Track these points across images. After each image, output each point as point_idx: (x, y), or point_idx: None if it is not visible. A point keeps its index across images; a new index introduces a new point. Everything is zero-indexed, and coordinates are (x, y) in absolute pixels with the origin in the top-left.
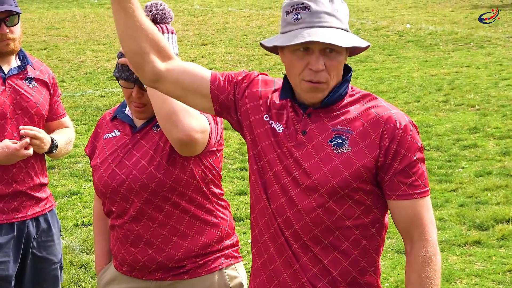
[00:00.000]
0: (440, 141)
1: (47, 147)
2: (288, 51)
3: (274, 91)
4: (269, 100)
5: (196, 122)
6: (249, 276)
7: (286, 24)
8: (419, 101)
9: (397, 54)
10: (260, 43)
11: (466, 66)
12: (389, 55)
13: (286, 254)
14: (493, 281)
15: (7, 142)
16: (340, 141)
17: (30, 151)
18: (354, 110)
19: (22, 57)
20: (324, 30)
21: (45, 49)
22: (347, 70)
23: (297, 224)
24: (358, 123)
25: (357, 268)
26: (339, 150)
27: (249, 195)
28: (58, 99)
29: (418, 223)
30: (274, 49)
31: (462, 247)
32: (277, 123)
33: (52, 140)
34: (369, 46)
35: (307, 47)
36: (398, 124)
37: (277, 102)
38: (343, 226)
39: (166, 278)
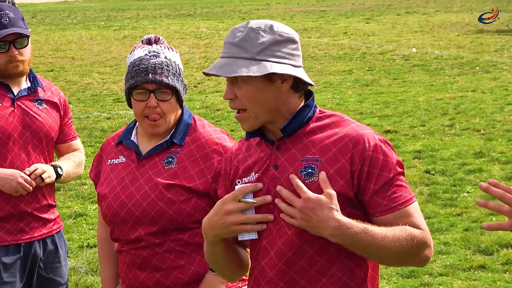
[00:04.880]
0: (445, 165)
1: (53, 176)
2: None
3: (236, 153)
4: (235, 165)
5: None
6: None
7: None
8: (424, 125)
9: (403, 78)
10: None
11: (471, 91)
12: (394, 79)
13: None
14: None
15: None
16: (310, 170)
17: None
18: (321, 135)
19: (33, 79)
20: (221, 60)
21: (51, 70)
22: (309, 95)
23: (280, 262)
24: (326, 149)
25: None
26: (310, 180)
27: None
28: (69, 121)
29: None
30: None
31: (467, 271)
32: (248, 176)
33: (54, 167)
34: (267, 74)
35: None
36: (367, 145)
37: (243, 156)
38: (327, 253)
39: None
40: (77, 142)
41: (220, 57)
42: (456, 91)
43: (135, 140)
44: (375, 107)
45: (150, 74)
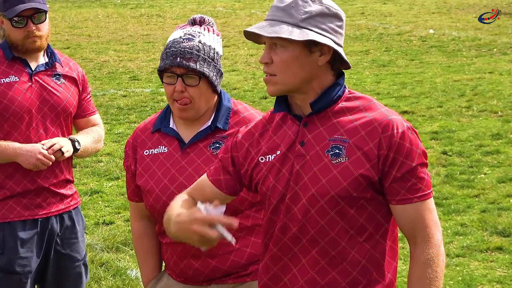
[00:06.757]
0: (462, 146)
1: (71, 150)
2: None
3: (261, 129)
4: (257, 142)
5: None
6: None
7: None
8: (441, 107)
9: (420, 59)
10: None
11: (489, 72)
12: (412, 60)
13: (294, 270)
14: None
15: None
16: (337, 151)
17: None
18: (350, 116)
19: (50, 54)
20: (264, 22)
21: (67, 48)
22: (340, 74)
23: (304, 238)
24: (355, 131)
25: (366, 277)
26: (337, 160)
27: None
28: (88, 96)
29: (420, 225)
30: None
31: (484, 253)
32: (273, 154)
33: (72, 140)
34: (307, 44)
35: (265, 41)
36: (395, 131)
37: (267, 133)
38: (348, 236)
39: (227, 281)
40: (96, 117)
41: (264, 20)
42: (473, 72)
43: (174, 128)
44: (392, 87)
45: (178, 58)
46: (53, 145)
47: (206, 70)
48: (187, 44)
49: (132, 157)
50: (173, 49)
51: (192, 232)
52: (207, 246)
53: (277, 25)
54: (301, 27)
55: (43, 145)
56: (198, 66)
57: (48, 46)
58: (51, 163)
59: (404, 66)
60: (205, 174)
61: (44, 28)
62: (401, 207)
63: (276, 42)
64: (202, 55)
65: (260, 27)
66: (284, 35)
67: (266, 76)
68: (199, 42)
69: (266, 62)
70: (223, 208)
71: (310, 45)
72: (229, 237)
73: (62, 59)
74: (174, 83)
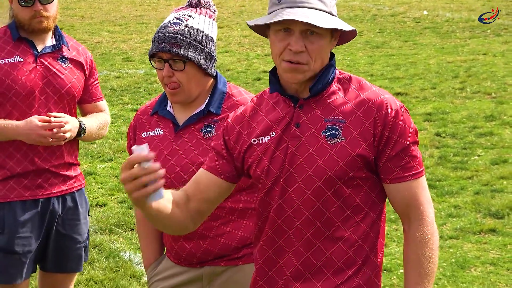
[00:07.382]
0: (456, 128)
1: (75, 131)
2: (271, 33)
3: (251, 112)
4: (247, 124)
5: None
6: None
7: (271, 5)
8: (435, 88)
9: (414, 40)
10: (247, 23)
11: (483, 54)
12: (405, 41)
13: (289, 252)
14: (508, 270)
15: (33, 119)
16: (333, 131)
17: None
18: (344, 97)
19: (58, 37)
20: (304, 10)
21: (61, 29)
22: (331, 56)
23: (298, 221)
24: (350, 111)
25: (362, 256)
26: (333, 141)
27: None
28: (95, 82)
29: (414, 203)
30: (264, 33)
31: (477, 235)
32: (267, 135)
33: (80, 124)
34: (354, 31)
35: (288, 28)
36: (389, 110)
37: (259, 115)
38: (344, 216)
39: (219, 263)
40: (103, 103)
41: (294, 6)
42: (467, 54)
43: (171, 111)
44: (385, 69)
45: (163, 43)
46: (61, 123)
47: (191, 54)
48: (172, 29)
49: (133, 139)
50: (160, 34)
51: (128, 192)
52: (141, 192)
53: (321, 14)
54: (334, 15)
55: (53, 116)
56: (182, 51)
57: (57, 28)
58: (64, 135)
59: (398, 47)
60: (201, 168)
61: (52, 9)
62: (395, 185)
63: (313, 30)
64: (187, 39)
65: (309, 16)
66: (340, 26)
67: (292, 63)
68: (186, 26)
69: (302, 50)
70: (144, 146)
71: (333, 31)
72: (147, 164)
73: (70, 43)
74: (162, 68)
